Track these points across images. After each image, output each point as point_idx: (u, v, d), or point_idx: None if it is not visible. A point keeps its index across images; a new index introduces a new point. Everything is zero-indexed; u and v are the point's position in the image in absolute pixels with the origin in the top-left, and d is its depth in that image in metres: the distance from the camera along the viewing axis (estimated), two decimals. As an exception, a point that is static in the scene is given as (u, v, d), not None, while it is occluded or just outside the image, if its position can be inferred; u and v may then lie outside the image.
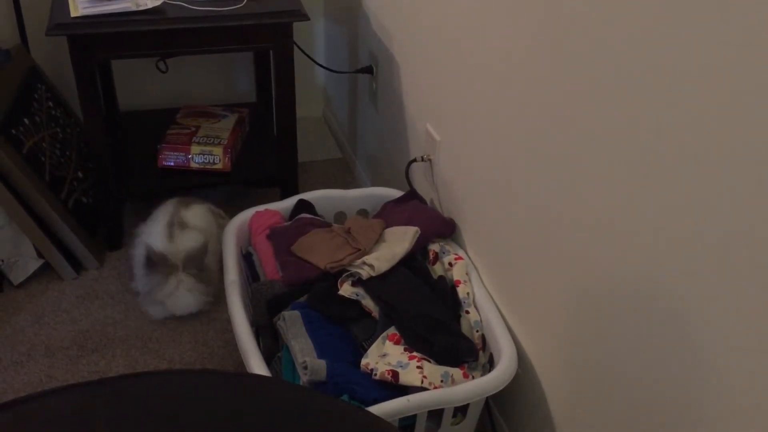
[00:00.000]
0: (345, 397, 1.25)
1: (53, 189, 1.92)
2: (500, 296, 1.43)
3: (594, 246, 1.10)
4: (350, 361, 1.32)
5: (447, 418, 1.31)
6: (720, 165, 0.82)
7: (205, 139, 2.10)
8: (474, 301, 1.44)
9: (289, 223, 1.62)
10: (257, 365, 1.28)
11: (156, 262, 1.73)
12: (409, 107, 1.80)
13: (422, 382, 1.25)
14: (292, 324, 1.36)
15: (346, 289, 1.41)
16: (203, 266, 1.76)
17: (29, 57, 2.17)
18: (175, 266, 1.74)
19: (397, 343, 1.34)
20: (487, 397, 1.31)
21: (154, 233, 1.77)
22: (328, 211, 1.71)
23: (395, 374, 1.26)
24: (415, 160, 1.72)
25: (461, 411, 1.35)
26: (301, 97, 2.36)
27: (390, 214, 1.62)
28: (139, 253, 1.81)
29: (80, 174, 2.09)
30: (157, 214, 1.85)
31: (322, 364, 1.27)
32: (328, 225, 1.60)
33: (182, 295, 1.75)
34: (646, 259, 0.98)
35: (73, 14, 1.71)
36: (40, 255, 1.93)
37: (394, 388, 1.27)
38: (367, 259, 1.43)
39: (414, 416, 1.26)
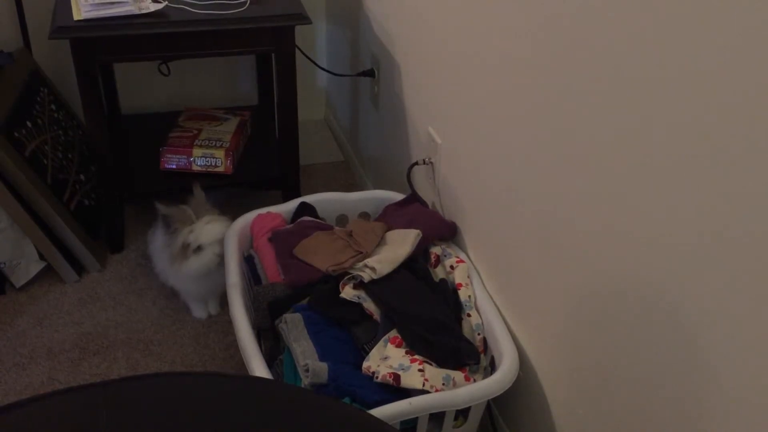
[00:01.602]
0: (346, 400, 1.25)
1: (55, 191, 1.93)
2: (502, 299, 1.43)
3: (595, 249, 1.10)
4: (352, 364, 1.32)
5: (448, 420, 1.31)
6: (721, 167, 0.83)
7: (207, 141, 2.11)
8: (475, 303, 1.44)
9: (291, 225, 1.62)
10: (259, 368, 1.28)
11: (173, 218, 1.69)
12: (411, 110, 1.80)
13: (424, 384, 1.25)
14: (293, 326, 1.36)
15: (347, 292, 1.41)
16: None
17: (32, 60, 2.17)
18: (192, 214, 1.71)
19: (398, 345, 1.34)
20: (488, 400, 1.31)
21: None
22: (329, 214, 1.71)
23: (396, 377, 1.26)
24: (416, 163, 1.72)
25: (463, 414, 1.35)
26: (302, 99, 2.36)
27: (392, 216, 1.62)
28: (157, 239, 1.78)
29: (82, 176, 2.09)
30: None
31: (323, 366, 1.27)
32: (329, 228, 1.60)
33: (209, 226, 1.69)
34: (647, 261, 0.98)
35: (75, 18, 1.72)
36: (42, 257, 1.94)
37: (395, 390, 1.27)
38: (369, 261, 1.43)
39: (415, 419, 1.26)
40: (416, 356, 1.31)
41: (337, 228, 1.60)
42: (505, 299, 1.42)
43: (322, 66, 2.37)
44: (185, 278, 1.74)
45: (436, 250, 1.53)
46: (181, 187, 2.07)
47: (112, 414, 0.73)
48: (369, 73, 2.08)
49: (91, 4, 1.74)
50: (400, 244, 1.48)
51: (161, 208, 1.69)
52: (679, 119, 0.88)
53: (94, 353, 1.76)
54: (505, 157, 1.34)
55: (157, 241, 1.78)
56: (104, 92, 2.26)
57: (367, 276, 1.41)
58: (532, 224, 1.28)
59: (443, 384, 1.27)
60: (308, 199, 1.70)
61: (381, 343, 1.35)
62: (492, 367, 1.37)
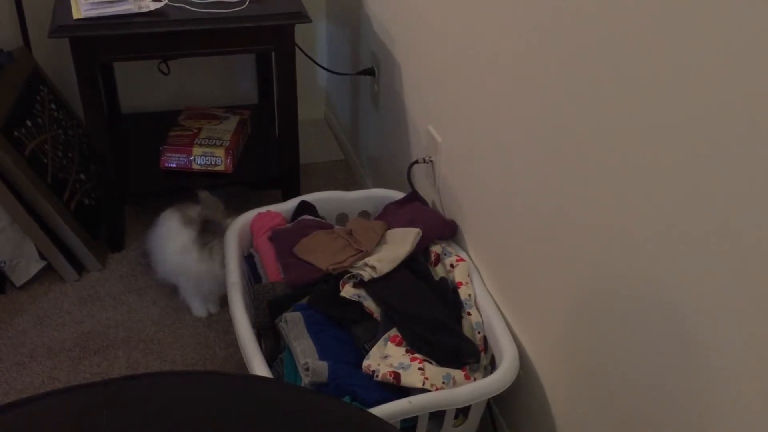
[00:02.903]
0: (347, 399, 1.25)
1: (55, 191, 1.93)
2: (502, 298, 1.43)
3: (596, 248, 1.10)
4: (352, 363, 1.32)
5: (449, 419, 1.31)
6: (722, 167, 0.83)
7: (207, 140, 2.11)
8: (475, 302, 1.44)
9: (291, 224, 1.62)
10: (259, 367, 1.28)
11: (217, 220, 1.70)
12: (411, 109, 1.80)
13: (424, 383, 1.25)
14: (293, 325, 1.36)
15: (347, 291, 1.41)
16: None
17: (31, 59, 2.17)
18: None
19: (398, 344, 1.34)
20: (488, 399, 1.31)
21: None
22: (329, 213, 1.71)
23: (397, 375, 1.26)
24: (416, 162, 1.72)
25: (463, 412, 1.35)
26: (302, 98, 2.35)
27: (392, 215, 1.62)
28: (170, 238, 1.76)
29: (82, 176, 2.09)
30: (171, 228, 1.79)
31: (323, 365, 1.27)
32: (329, 226, 1.60)
33: None
34: (648, 260, 0.98)
35: (75, 16, 1.72)
36: (42, 257, 1.94)
37: (395, 389, 1.27)
38: (369, 260, 1.43)
39: (415, 418, 1.26)
40: (416, 355, 1.31)
41: (337, 227, 1.60)
42: (506, 298, 1.42)
43: (322, 65, 2.37)
44: (204, 277, 1.74)
45: (436, 249, 1.53)
46: (181, 186, 2.07)
47: (113, 413, 0.73)
48: (369, 71, 2.08)
49: (91, 3, 1.74)
50: (401, 243, 1.48)
51: (202, 211, 1.70)
52: (679, 118, 0.88)
53: (95, 352, 1.76)
54: (505, 156, 1.34)
55: (175, 240, 1.75)
56: (104, 91, 2.26)
57: (367, 275, 1.41)
58: (532, 223, 1.28)
59: (443, 383, 1.27)
60: (308, 197, 1.70)
61: (381, 342, 1.35)
62: (492, 366, 1.37)
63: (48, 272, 1.96)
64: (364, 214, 1.73)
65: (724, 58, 0.80)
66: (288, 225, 1.62)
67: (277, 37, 1.85)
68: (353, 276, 1.43)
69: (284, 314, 1.39)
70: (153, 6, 1.77)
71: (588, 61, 1.04)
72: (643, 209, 0.97)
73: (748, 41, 0.77)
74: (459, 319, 1.42)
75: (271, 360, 1.38)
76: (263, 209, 1.66)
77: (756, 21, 0.75)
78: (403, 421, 1.26)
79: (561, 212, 1.18)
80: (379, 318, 1.39)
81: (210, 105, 2.37)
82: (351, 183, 2.38)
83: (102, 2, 1.74)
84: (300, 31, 1.92)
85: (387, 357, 1.32)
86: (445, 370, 1.29)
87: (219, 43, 1.83)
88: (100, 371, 1.72)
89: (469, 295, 1.44)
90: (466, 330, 1.40)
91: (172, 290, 1.93)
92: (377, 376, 1.26)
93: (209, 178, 2.09)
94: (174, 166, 2.09)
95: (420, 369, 1.27)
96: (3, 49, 2.07)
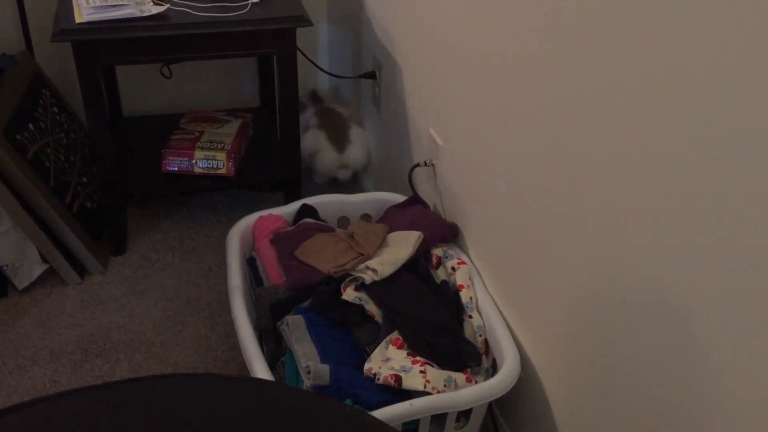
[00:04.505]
0: (348, 402, 1.25)
1: (58, 194, 1.93)
2: (503, 300, 1.43)
3: (597, 250, 1.10)
4: (353, 366, 1.32)
5: (450, 422, 1.31)
6: (723, 167, 0.83)
7: (209, 144, 2.11)
8: (477, 305, 1.44)
9: (293, 227, 1.62)
10: (261, 369, 1.28)
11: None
12: (412, 112, 1.81)
13: (425, 386, 1.25)
14: (295, 328, 1.36)
15: (349, 294, 1.41)
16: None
17: (34, 63, 2.18)
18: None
19: (400, 347, 1.34)
20: (490, 402, 1.31)
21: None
22: (331, 216, 1.71)
23: (398, 378, 1.26)
24: (418, 165, 1.72)
25: (464, 415, 1.35)
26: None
27: (393, 218, 1.62)
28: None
29: (84, 179, 2.09)
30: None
31: (325, 368, 1.27)
32: (331, 229, 1.60)
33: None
34: (650, 263, 0.98)
35: (77, 20, 1.72)
36: (44, 260, 1.94)
37: (397, 392, 1.27)
38: (371, 263, 1.44)
39: (417, 420, 1.27)
40: (418, 358, 1.31)
41: (338, 230, 1.60)
42: (506, 299, 1.42)
43: (324, 68, 2.37)
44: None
45: (437, 252, 1.53)
46: (182, 189, 2.08)
47: (115, 416, 0.73)
48: (370, 75, 2.08)
49: (93, 7, 1.75)
50: (402, 246, 1.48)
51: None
52: (679, 118, 0.88)
53: (96, 355, 1.77)
54: (506, 159, 1.34)
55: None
56: (106, 94, 2.26)
57: (368, 278, 1.41)
58: (533, 225, 1.28)
59: (445, 385, 1.27)
60: (310, 200, 1.70)
61: (383, 344, 1.35)
62: (494, 369, 1.37)
63: (50, 275, 1.96)
64: (366, 217, 1.73)
65: (725, 58, 0.80)
66: (289, 228, 1.63)
67: (278, 41, 1.85)
68: (355, 279, 1.43)
69: (286, 317, 1.39)
70: (155, 10, 1.77)
71: (588, 62, 1.04)
72: (644, 210, 0.97)
73: (748, 40, 0.77)
74: (460, 322, 1.42)
75: (272, 362, 1.38)
76: (265, 212, 1.66)
77: (757, 20, 0.75)
78: (405, 423, 1.26)
79: (562, 214, 1.18)
80: (380, 321, 1.39)
81: (212, 108, 2.37)
82: (352, 186, 2.38)
83: (104, 6, 1.75)
84: (302, 34, 1.92)
85: (388, 360, 1.32)
86: (446, 373, 1.29)
87: (221, 46, 1.84)
88: (102, 374, 1.72)
89: (471, 298, 1.44)
90: (468, 333, 1.40)
91: (173, 293, 1.93)
92: (379, 378, 1.27)
93: (211, 181, 2.10)
94: (176, 169, 2.09)
95: (421, 372, 1.27)
96: (5, 52, 2.07)
